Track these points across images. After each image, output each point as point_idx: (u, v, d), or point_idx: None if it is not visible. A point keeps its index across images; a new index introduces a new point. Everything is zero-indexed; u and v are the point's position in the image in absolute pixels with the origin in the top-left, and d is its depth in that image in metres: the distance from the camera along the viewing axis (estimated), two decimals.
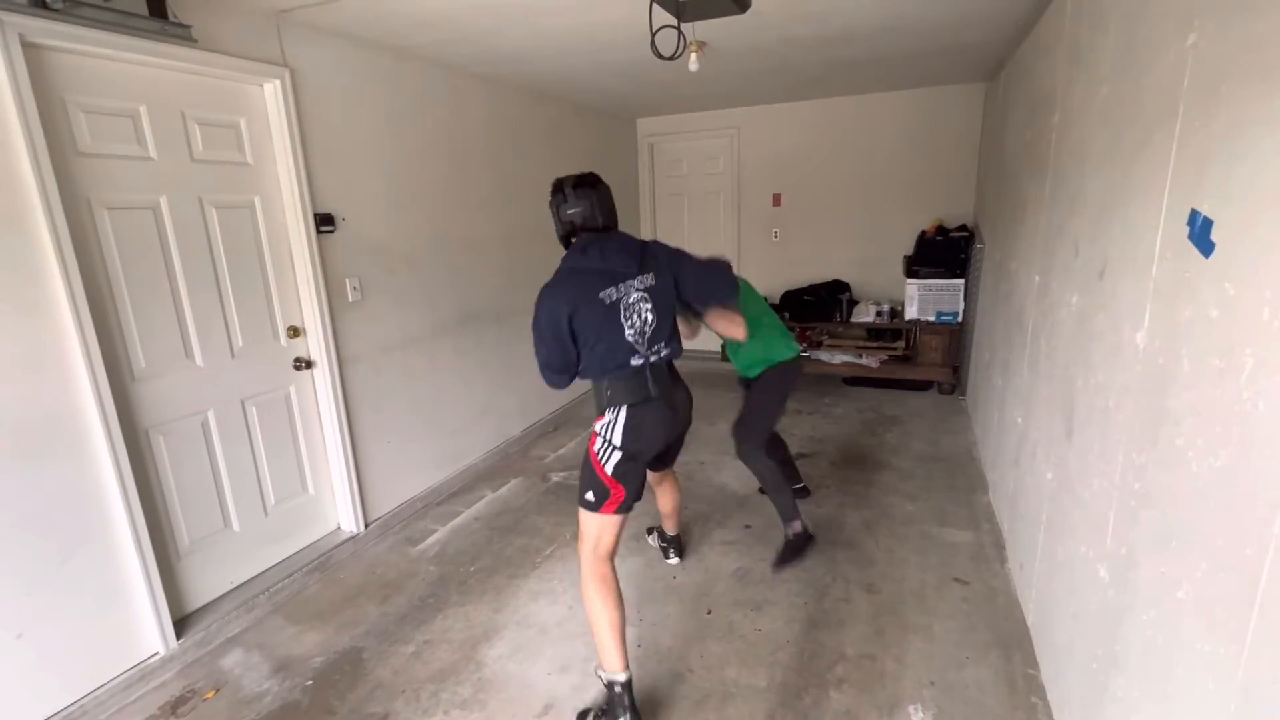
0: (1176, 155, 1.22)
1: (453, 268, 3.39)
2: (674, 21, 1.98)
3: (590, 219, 1.82)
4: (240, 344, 2.42)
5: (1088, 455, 1.63)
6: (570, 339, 1.78)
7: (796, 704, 1.88)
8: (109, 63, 1.97)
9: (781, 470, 2.66)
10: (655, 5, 1.95)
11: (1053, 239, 2.16)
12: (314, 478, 2.75)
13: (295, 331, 2.61)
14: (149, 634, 2.09)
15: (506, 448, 3.88)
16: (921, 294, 4.52)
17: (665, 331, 1.87)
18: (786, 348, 2.63)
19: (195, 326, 2.26)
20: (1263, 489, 0.88)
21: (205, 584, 2.35)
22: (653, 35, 2.04)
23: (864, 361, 4.66)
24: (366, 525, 2.90)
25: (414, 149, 3.09)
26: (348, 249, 2.75)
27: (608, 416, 1.86)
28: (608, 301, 1.75)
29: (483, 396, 3.68)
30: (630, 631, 2.24)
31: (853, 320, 4.80)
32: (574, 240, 1.86)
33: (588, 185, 1.83)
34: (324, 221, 2.62)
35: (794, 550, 2.55)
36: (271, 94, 2.41)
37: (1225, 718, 0.94)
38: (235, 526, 2.44)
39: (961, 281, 4.39)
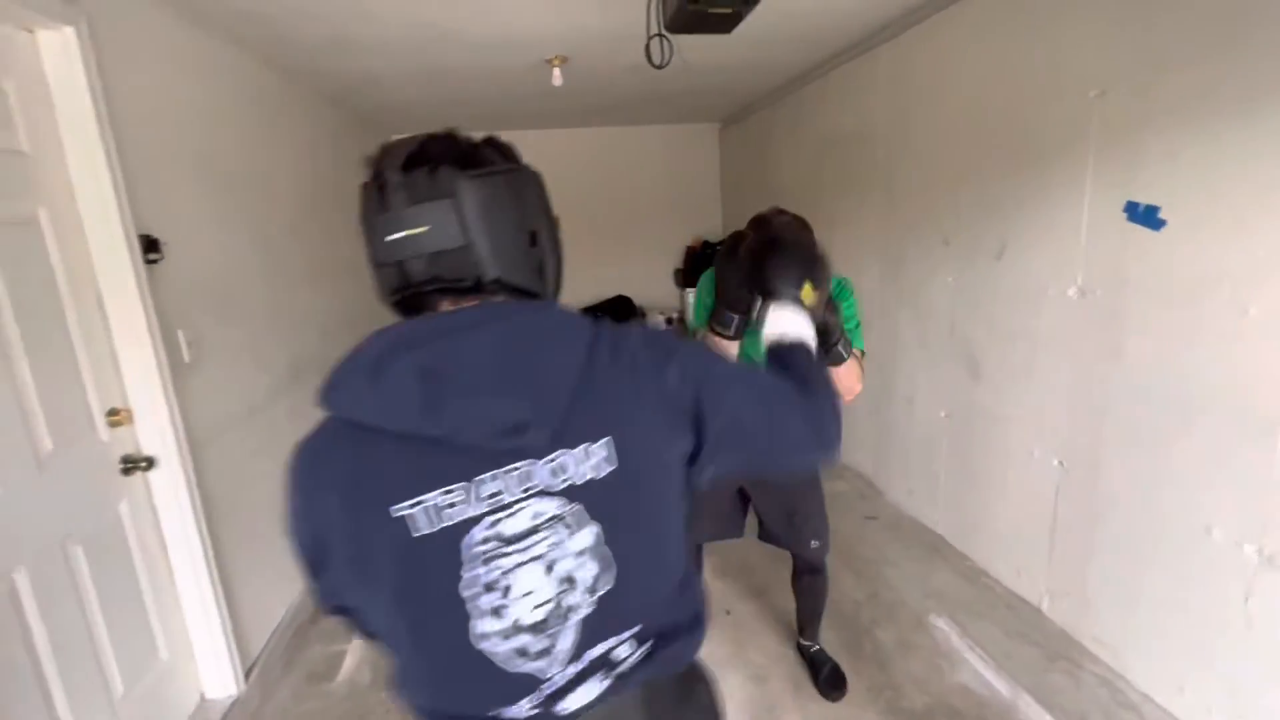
0: (1094, 167, 1.85)
1: (278, 309, 2.58)
2: (660, 31, 1.98)
3: (444, 267, 0.65)
4: (49, 446, 1.45)
5: (1010, 386, 2.26)
6: (344, 609, 0.73)
7: (861, 651, 2.10)
8: None
9: None
10: (650, 13, 1.93)
11: (901, 239, 2.84)
12: (166, 634, 1.80)
13: (118, 415, 1.68)
14: None
15: None
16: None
17: (648, 579, 0.71)
18: None
19: None
20: (1268, 371, 1.46)
21: None
22: (648, 41, 2.00)
23: None
24: (247, 677, 2.00)
25: (235, 156, 2.29)
26: (177, 287, 1.88)
27: None
28: (425, 529, 0.62)
29: None
30: None
31: None
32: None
33: (428, 165, 0.64)
34: (149, 247, 1.75)
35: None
36: (55, 48, 1.52)
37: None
38: None
39: None
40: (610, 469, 0.65)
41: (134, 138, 1.72)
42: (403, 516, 0.62)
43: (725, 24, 1.99)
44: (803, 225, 1.40)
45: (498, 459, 0.63)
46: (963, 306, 2.48)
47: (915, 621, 2.24)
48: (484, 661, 0.65)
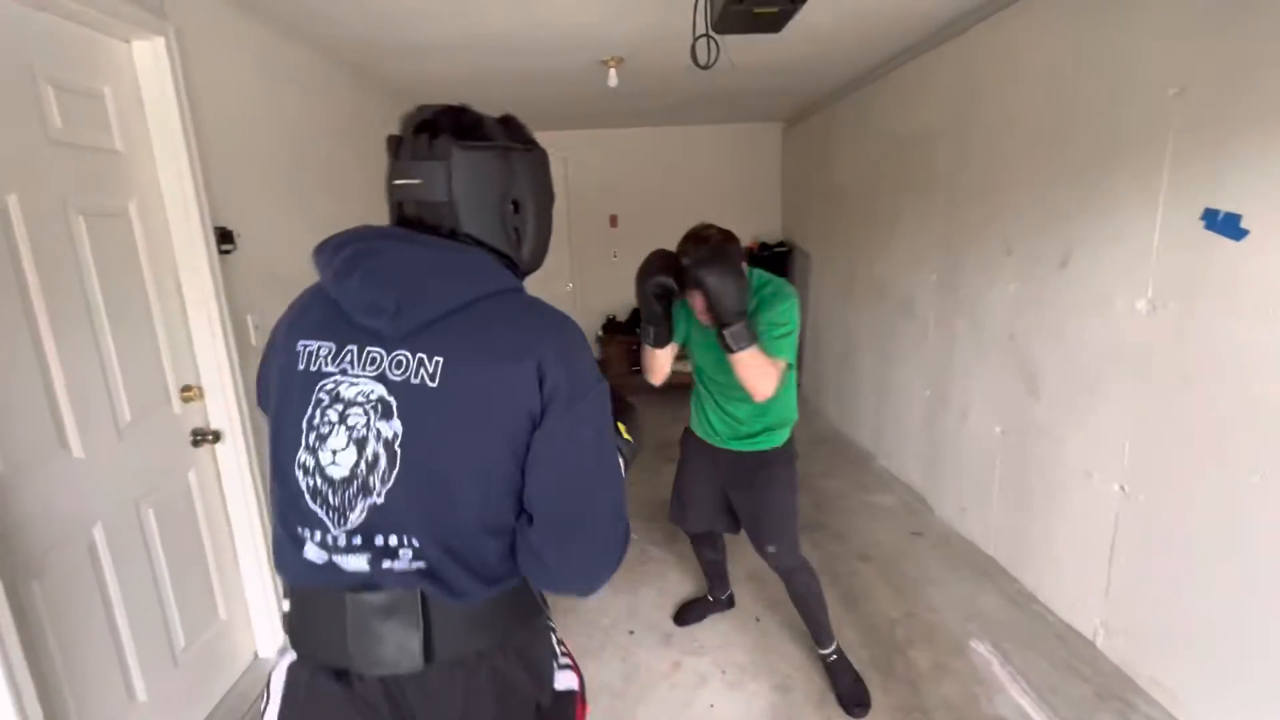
0: (1170, 171, 1.71)
1: None
2: (708, 31, 1.98)
3: (429, 214, 0.81)
4: (128, 417, 1.61)
5: (1071, 403, 2.12)
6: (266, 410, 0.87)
7: (893, 670, 2.03)
8: None
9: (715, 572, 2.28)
10: (696, 14, 1.94)
11: (961, 245, 2.72)
12: (225, 595, 1.95)
13: (190, 392, 1.84)
14: None
15: None
16: None
17: (429, 500, 0.76)
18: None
19: (69, 395, 1.44)
20: None
21: None
22: (694, 42, 2.01)
23: None
24: None
25: (303, 151, 2.46)
26: (247, 275, 2.04)
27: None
28: (301, 365, 0.79)
29: None
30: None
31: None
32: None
33: (431, 131, 0.79)
34: (223, 238, 1.91)
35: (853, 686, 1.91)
36: (146, 56, 1.68)
37: None
38: (141, 695, 1.61)
39: None
40: (430, 384, 0.74)
41: (213, 136, 1.88)
42: (297, 351, 0.80)
43: (773, 24, 1.96)
44: (726, 237, 1.72)
45: (363, 337, 0.77)
46: (1023, 317, 2.34)
47: (954, 644, 2.14)
48: (297, 487, 0.78)
